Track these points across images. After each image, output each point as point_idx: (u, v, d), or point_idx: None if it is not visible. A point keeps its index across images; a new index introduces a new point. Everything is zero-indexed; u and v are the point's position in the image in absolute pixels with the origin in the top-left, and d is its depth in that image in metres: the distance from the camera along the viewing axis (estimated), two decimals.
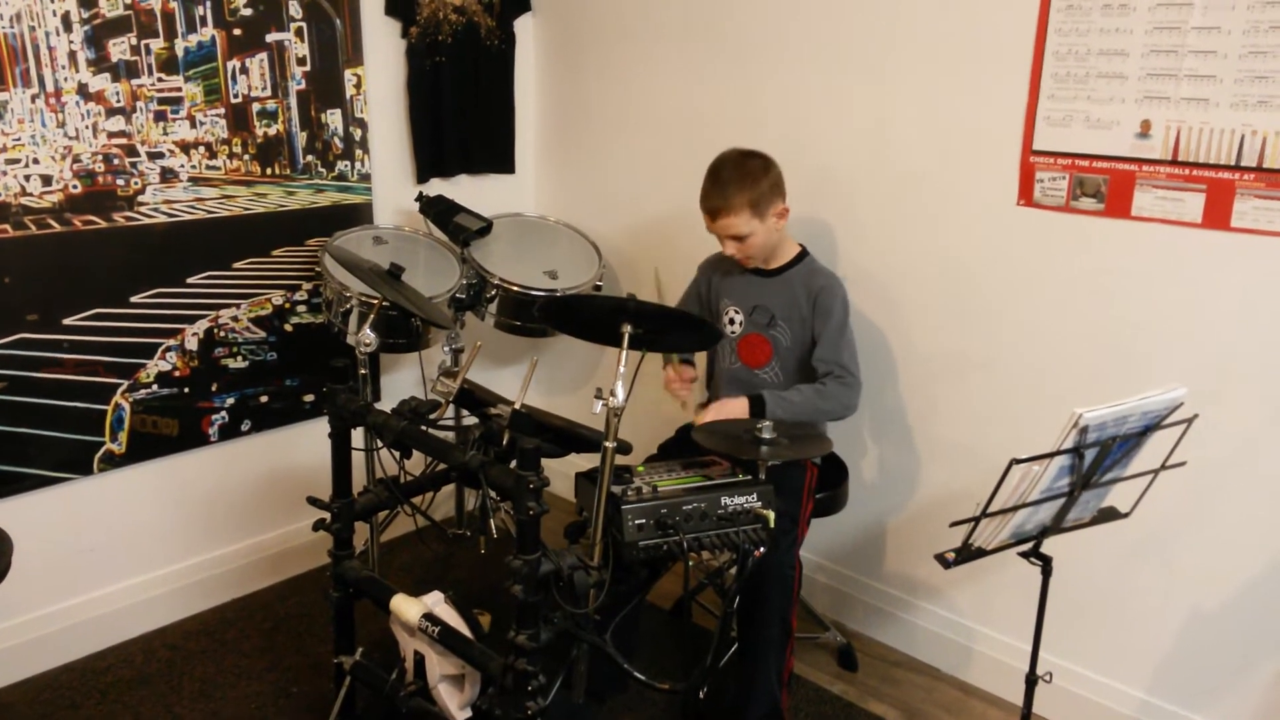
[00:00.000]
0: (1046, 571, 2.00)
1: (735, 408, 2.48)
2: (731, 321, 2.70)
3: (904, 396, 2.86)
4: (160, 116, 2.75)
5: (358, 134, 3.19)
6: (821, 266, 2.66)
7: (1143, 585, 2.50)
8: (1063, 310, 2.50)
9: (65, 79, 2.55)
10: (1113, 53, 2.30)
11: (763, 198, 2.48)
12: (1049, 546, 1.99)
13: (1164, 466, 1.96)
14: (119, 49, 2.63)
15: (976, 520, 1.83)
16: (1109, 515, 2.07)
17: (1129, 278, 2.38)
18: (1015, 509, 1.84)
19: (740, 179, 2.48)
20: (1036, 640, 2.06)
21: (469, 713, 2.13)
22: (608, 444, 1.98)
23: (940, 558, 1.90)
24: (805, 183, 2.84)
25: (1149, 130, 2.28)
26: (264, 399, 3.13)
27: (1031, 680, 2.09)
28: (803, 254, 2.66)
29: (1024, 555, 2.00)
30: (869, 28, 2.73)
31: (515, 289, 3.02)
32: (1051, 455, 1.77)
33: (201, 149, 2.85)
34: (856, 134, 2.81)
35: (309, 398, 3.24)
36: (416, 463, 2.40)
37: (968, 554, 1.89)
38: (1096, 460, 1.84)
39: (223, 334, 2.99)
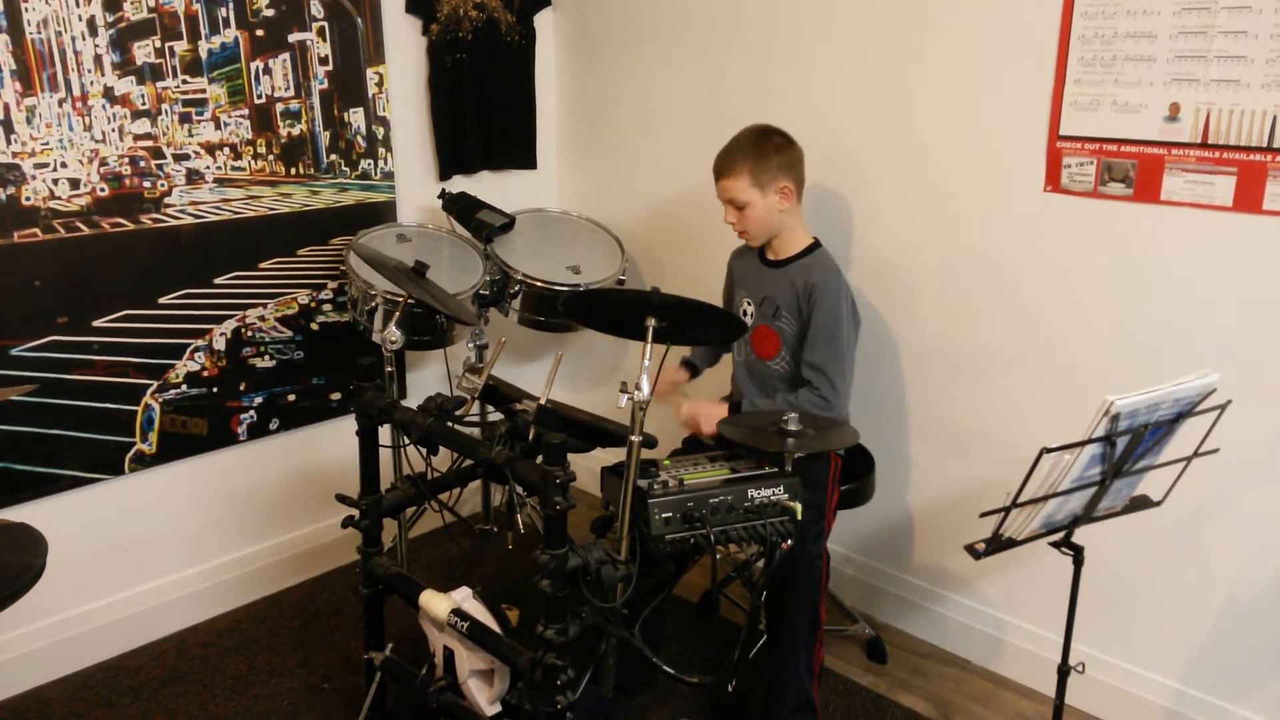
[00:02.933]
0: (1078, 561, 1.98)
1: (717, 412, 2.50)
2: (745, 313, 2.69)
3: (928, 387, 2.84)
4: (185, 118, 2.77)
5: (380, 132, 3.20)
6: (828, 261, 2.62)
7: (1176, 574, 2.47)
8: (1091, 296, 2.47)
9: (91, 83, 2.58)
10: (1140, 35, 2.27)
11: (766, 170, 2.49)
12: (1080, 536, 1.97)
13: (1197, 454, 1.93)
14: (143, 52, 2.66)
15: (1007, 510, 1.81)
16: (1141, 504, 2.04)
17: (1158, 263, 2.35)
18: (1046, 498, 1.82)
19: (750, 147, 2.52)
20: (1069, 630, 2.04)
21: (498, 707, 2.14)
22: (633, 438, 1.98)
23: (970, 548, 1.88)
24: (826, 171, 2.83)
25: (1178, 113, 2.25)
26: (291, 398, 3.15)
27: (1064, 671, 2.07)
28: (813, 247, 2.64)
29: (1055, 545, 1.98)
30: (891, 13, 2.70)
31: (539, 284, 3.02)
32: (1083, 444, 1.75)
33: (226, 150, 2.87)
34: (878, 121, 2.79)
35: (336, 396, 3.26)
36: (443, 459, 2.40)
37: (998, 544, 1.88)
38: (1128, 448, 1.82)
39: (250, 334, 3.01)
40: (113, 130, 2.64)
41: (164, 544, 2.97)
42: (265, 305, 3.03)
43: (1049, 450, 1.73)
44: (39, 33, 2.47)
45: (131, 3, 2.60)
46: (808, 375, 2.53)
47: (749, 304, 2.69)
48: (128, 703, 2.68)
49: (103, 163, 2.64)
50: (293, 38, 2.94)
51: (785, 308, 2.61)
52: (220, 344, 2.95)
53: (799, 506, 2.07)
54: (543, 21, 3.62)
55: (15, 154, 2.49)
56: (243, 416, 3.05)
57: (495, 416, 3.04)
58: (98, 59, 2.58)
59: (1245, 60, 2.13)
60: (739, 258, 2.78)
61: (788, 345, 2.63)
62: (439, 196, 3.24)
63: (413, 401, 2.37)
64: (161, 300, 2.82)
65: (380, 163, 3.22)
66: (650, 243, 3.53)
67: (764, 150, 2.50)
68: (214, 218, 2.88)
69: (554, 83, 3.73)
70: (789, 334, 2.62)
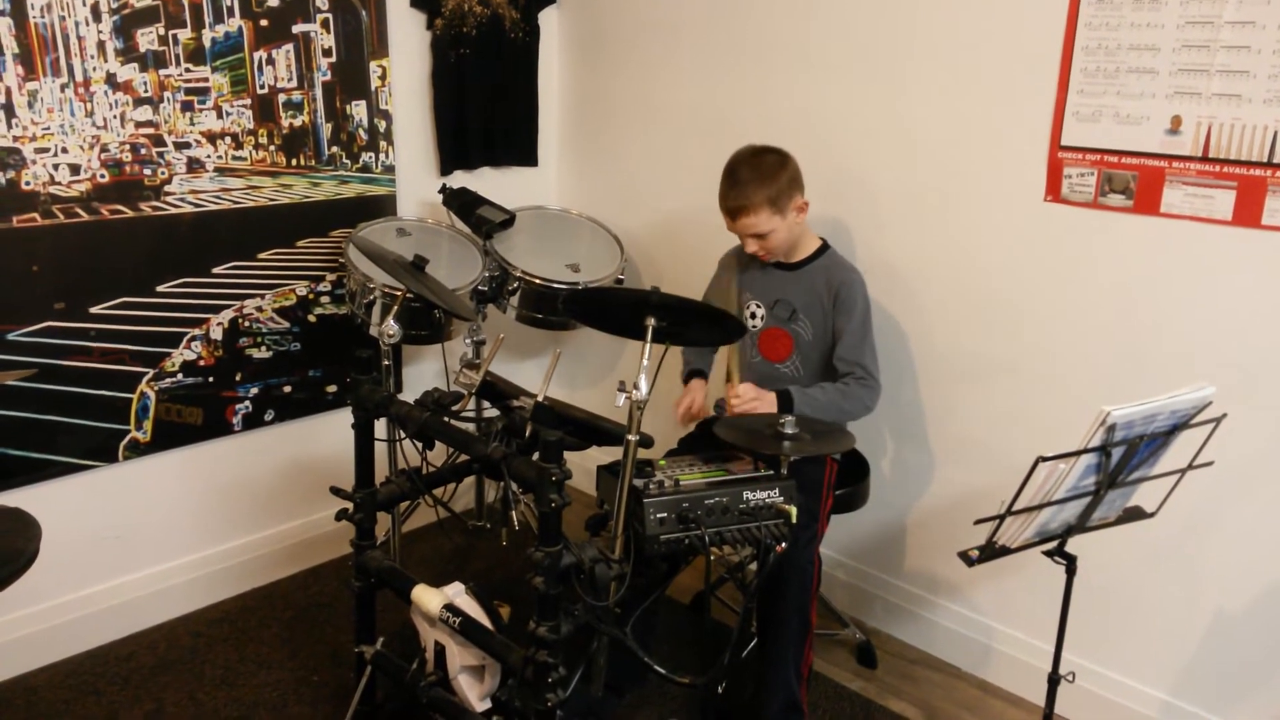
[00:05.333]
0: (1071, 570, 1.99)
1: (765, 401, 2.48)
2: (753, 316, 2.69)
3: (926, 394, 2.85)
4: (187, 107, 2.76)
5: (382, 126, 3.20)
6: (843, 260, 2.65)
7: (1168, 585, 2.48)
8: (1089, 307, 2.48)
9: (94, 69, 2.57)
10: (1143, 48, 2.27)
11: (781, 194, 2.48)
12: (1073, 545, 1.98)
13: (1191, 466, 1.94)
14: (147, 39, 2.65)
15: (1001, 518, 1.82)
16: (1134, 515, 2.05)
17: (1157, 275, 2.36)
18: (1040, 507, 1.82)
19: (758, 177, 2.47)
20: (1060, 639, 2.04)
21: (489, 703, 2.14)
22: (630, 437, 1.98)
23: (964, 555, 1.89)
24: (827, 179, 2.83)
25: (1179, 126, 2.25)
26: (287, 389, 3.15)
27: (1054, 679, 2.07)
28: (824, 247, 2.65)
29: (1048, 554, 1.99)
30: (893, 22, 2.71)
31: (537, 282, 3.02)
32: (1078, 453, 1.75)
33: (228, 139, 2.86)
34: (880, 129, 2.79)
35: (332, 388, 3.25)
36: (438, 454, 2.40)
37: (991, 552, 1.88)
38: (1123, 459, 1.83)
39: (247, 324, 3.00)
40: (114, 117, 2.64)
41: (156, 532, 2.96)
42: (263, 296, 3.03)
43: (1044, 459, 1.74)
44: (42, 17, 2.47)
45: None
46: (847, 369, 2.55)
47: (758, 306, 2.68)
48: (116, 690, 2.68)
49: (103, 149, 2.63)
50: (297, 29, 2.93)
51: (804, 310, 2.61)
52: (217, 334, 2.94)
53: (794, 510, 2.08)
54: (547, 19, 3.61)
55: (16, 138, 2.48)
56: (238, 407, 3.04)
57: (492, 413, 3.05)
58: (101, 45, 2.57)
59: (1248, 75, 2.14)
60: (739, 261, 2.77)
61: (800, 349, 2.63)
62: (439, 191, 3.24)
63: (409, 396, 2.37)
64: (159, 288, 2.81)
65: (381, 156, 3.22)
66: (649, 242, 3.53)
67: (772, 176, 2.47)
68: (214, 207, 2.88)
69: (557, 80, 3.72)
70: (805, 337, 2.62)
